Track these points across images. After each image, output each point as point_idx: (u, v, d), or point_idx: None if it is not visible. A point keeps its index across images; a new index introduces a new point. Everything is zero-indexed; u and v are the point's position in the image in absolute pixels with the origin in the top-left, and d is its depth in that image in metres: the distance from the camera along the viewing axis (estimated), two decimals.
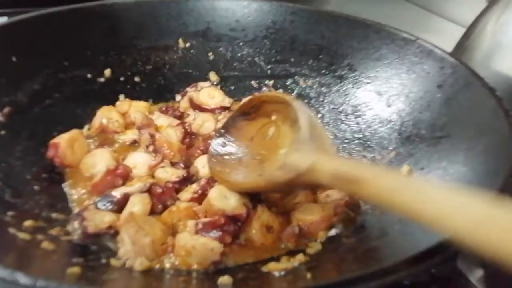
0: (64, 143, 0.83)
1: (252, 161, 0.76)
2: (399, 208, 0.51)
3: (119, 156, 0.86)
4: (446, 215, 0.45)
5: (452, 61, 0.87)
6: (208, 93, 1.04)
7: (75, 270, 0.56)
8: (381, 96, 0.96)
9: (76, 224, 0.67)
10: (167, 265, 0.65)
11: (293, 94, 1.08)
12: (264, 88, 1.10)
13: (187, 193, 0.79)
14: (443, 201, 0.46)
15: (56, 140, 0.84)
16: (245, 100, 0.88)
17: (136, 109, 1.00)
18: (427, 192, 0.49)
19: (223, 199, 0.72)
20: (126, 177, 0.79)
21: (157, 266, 0.65)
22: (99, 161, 0.83)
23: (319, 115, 1.02)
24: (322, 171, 0.60)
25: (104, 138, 0.94)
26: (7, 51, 0.90)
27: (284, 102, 0.74)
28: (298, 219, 0.73)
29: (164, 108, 1.02)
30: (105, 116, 0.95)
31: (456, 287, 0.71)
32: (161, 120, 0.96)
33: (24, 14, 0.94)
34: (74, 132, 0.88)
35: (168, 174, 0.81)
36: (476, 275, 0.71)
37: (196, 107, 1.02)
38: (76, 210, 0.75)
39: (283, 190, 0.77)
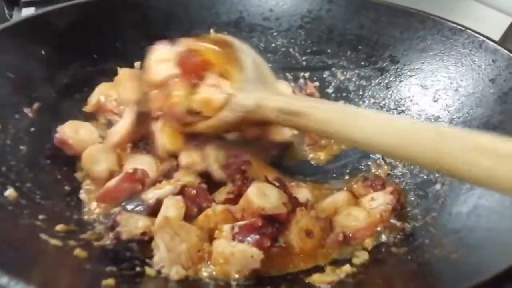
0: (68, 129, 0.79)
1: None
2: (336, 136, 0.62)
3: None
4: (374, 135, 0.54)
5: (506, 54, 0.81)
6: None
7: (110, 282, 0.53)
8: (426, 90, 0.90)
9: (108, 229, 0.64)
10: (205, 274, 0.61)
11: (330, 87, 1.02)
12: (301, 80, 1.04)
13: (221, 194, 0.75)
14: (371, 123, 0.55)
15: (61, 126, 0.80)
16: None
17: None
18: (358, 118, 0.57)
19: (263, 197, 0.68)
20: (145, 182, 0.73)
21: (194, 275, 0.61)
22: (103, 160, 0.77)
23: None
24: (268, 107, 0.66)
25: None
26: (35, 44, 0.87)
27: (226, 44, 0.74)
28: (342, 226, 0.69)
29: None
30: (103, 93, 0.90)
31: None
32: None
33: (52, 6, 0.91)
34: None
35: (192, 176, 0.77)
36: None
37: None
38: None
39: (236, 129, 0.77)
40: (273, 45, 1.07)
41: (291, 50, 1.07)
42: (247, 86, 0.69)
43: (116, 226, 0.64)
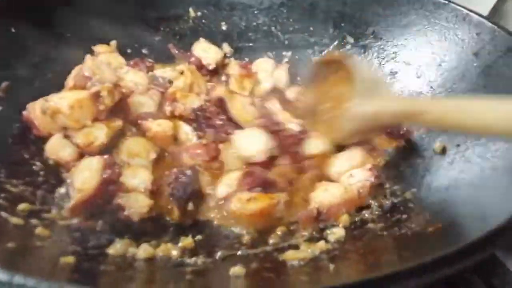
0: (38, 107, 0.75)
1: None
2: (452, 129, 0.69)
3: None
4: (492, 124, 0.56)
5: (490, 26, 0.79)
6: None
7: (69, 260, 0.50)
8: (409, 66, 0.88)
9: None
10: (174, 253, 0.59)
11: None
12: (285, 59, 1.01)
13: None
14: (482, 112, 0.58)
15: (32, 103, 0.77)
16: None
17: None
18: (469, 111, 0.59)
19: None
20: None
21: (161, 254, 0.58)
22: (62, 149, 0.73)
23: None
24: (387, 112, 0.71)
25: None
26: (5, 22, 0.84)
27: (342, 61, 0.79)
28: (317, 201, 0.66)
29: (132, 62, 0.95)
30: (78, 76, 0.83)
31: (494, 274, 0.65)
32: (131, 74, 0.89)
33: None
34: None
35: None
36: None
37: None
38: None
39: (361, 136, 0.78)
40: (254, 23, 1.05)
41: (273, 28, 1.04)
42: (362, 99, 0.73)
43: (123, 210, 0.63)
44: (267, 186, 0.68)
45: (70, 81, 0.84)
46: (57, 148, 0.73)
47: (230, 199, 0.67)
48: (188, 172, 0.69)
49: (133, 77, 0.88)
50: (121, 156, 0.72)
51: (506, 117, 0.55)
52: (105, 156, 0.67)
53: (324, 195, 0.67)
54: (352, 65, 0.77)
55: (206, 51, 0.98)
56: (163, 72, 0.92)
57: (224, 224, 0.66)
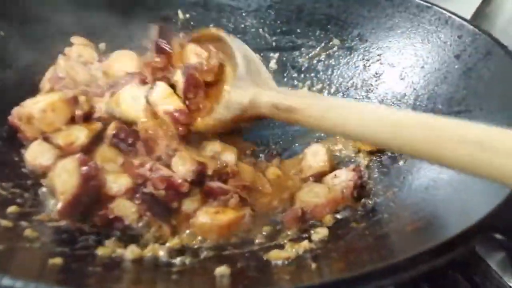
0: (23, 111, 0.74)
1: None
2: (329, 131, 0.67)
3: None
4: (366, 128, 0.53)
5: (471, 29, 0.80)
6: None
7: (57, 261, 0.51)
8: (393, 68, 0.89)
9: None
10: (161, 253, 0.60)
11: (299, 67, 1.01)
12: (273, 60, 1.03)
13: None
14: (363, 115, 0.54)
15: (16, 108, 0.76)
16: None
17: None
18: (349, 114, 0.56)
19: None
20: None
21: (150, 254, 0.59)
22: (41, 155, 0.71)
23: (327, 89, 0.96)
24: (262, 103, 0.66)
25: None
26: None
27: (221, 39, 0.74)
28: (302, 201, 0.68)
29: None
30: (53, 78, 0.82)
31: (475, 271, 0.66)
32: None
33: None
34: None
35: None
36: (495, 259, 0.67)
37: None
38: None
39: (232, 126, 0.75)
40: (242, 25, 1.06)
41: (260, 30, 1.05)
42: (241, 83, 0.69)
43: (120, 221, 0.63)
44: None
45: (46, 84, 0.83)
46: (35, 155, 0.72)
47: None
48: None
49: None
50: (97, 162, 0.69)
51: (390, 126, 0.51)
52: (77, 155, 0.66)
53: (309, 195, 0.68)
54: (232, 43, 0.73)
55: None
56: None
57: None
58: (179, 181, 0.64)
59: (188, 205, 0.66)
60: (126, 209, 0.64)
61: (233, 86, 0.69)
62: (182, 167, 0.66)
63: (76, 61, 0.86)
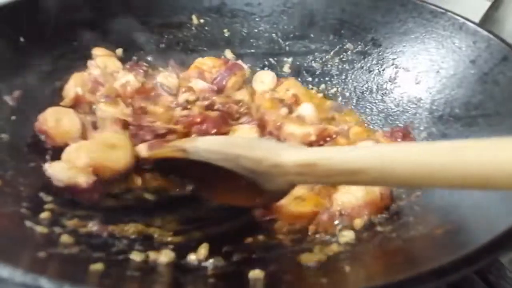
0: (49, 117, 0.77)
1: None
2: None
3: None
4: (387, 176, 0.50)
5: (485, 35, 0.82)
6: None
7: (98, 267, 0.52)
8: (408, 72, 0.91)
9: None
10: (193, 257, 0.61)
11: (313, 72, 1.02)
12: (287, 65, 1.04)
13: None
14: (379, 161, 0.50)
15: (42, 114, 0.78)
16: None
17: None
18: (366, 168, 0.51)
19: None
20: None
21: (182, 259, 0.60)
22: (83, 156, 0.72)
23: (341, 93, 0.98)
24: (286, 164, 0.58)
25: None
26: (14, 31, 0.85)
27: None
28: (340, 202, 0.68)
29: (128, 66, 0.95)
30: (79, 84, 0.86)
31: (490, 270, 0.68)
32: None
33: None
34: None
35: None
36: (509, 258, 0.69)
37: None
38: None
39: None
40: (256, 30, 1.07)
41: (273, 35, 1.06)
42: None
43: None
44: None
45: (70, 91, 0.85)
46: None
47: None
48: None
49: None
50: None
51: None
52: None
53: (347, 197, 0.69)
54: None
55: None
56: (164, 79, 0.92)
57: None
58: None
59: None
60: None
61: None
62: None
63: (104, 72, 0.87)
